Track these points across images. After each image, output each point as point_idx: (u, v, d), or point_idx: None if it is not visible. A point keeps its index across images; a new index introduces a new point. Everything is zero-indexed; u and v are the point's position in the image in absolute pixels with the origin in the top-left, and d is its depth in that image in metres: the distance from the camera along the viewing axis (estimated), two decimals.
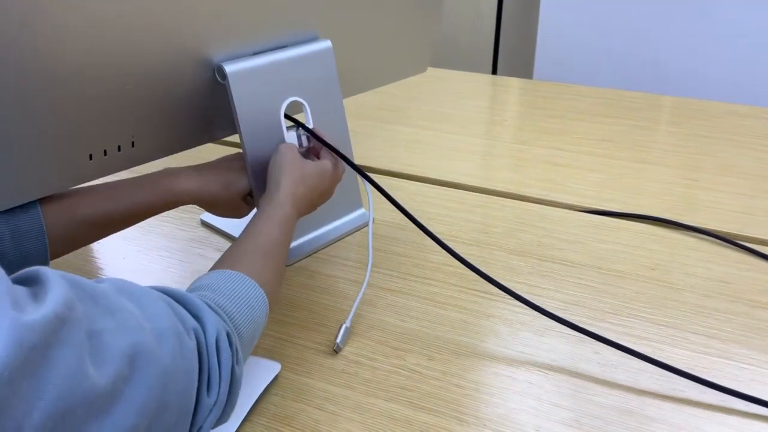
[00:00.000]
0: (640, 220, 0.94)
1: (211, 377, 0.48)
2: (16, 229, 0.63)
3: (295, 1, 0.77)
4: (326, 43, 0.82)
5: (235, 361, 0.51)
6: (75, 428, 0.37)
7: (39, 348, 0.35)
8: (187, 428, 0.46)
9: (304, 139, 0.78)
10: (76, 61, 0.60)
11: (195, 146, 0.78)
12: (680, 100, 1.38)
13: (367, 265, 0.77)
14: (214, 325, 0.49)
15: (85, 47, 0.60)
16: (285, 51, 0.78)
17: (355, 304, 0.74)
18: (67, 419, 0.36)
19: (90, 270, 0.85)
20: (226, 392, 0.49)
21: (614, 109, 1.34)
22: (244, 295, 0.56)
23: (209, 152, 0.87)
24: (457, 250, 0.71)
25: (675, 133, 1.24)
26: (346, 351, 0.70)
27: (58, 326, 0.37)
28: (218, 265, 0.60)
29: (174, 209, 0.75)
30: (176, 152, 0.76)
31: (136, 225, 0.73)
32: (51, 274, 0.40)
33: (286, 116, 0.78)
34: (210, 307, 0.51)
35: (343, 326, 0.71)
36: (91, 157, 0.67)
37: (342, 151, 0.76)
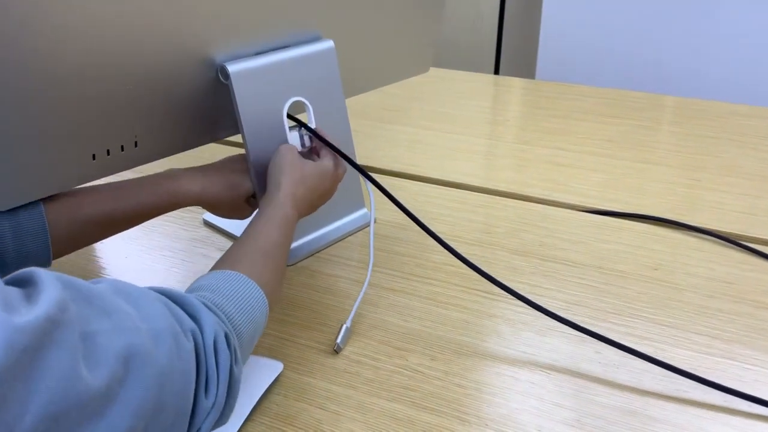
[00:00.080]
0: (643, 220, 0.94)
1: (209, 379, 0.48)
2: (18, 228, 0.63)
3: (297, 2, 0.77)
4: (329, 43, 0.82)
5: (234, 362, 0.50)
6: (69, 430, 0.36)
7: (30, 350, 0.35)
8: (185, 430, 0.46)
9: (306, 139, 0.78)
10: (79, 62, 0.60)
11: (198, 146, 0.78)
12: (683, 100, 1.38)
13: (369, 265, 0.77)
14: (212, 326, 0.49)
15: (88, 47, 0.60)
16: (287, 51, 0.78)
17: (356, 304, 0.74)
18: (60, 422, 0.36)
19: (92, 270, 0.85)
20: (225, 394, 0.49)
21: (617, 109, 1.33)
22: (244, 295, 0.56)
23: (212, 152, 0.88)
24: (459, 250, 0.71)
25: (677, 133, 1.23)
26: (349, 351, 0.70)
27: (50, 328, 0.36)
28: (217, 265, 0.60)
29: (177, 209, 0.75)
30: (179, 152, 0.76)
31: (139, 225, 0.73)
32: (45, 275, 0.40)
33: (289, 116, 0.78)
34: (208, 307, 0.51)
35: (344, 326, 0.71)
36: (94, 156, 0.67)
37: (344, 151, 0.76)
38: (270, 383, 0.64)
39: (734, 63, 1.78)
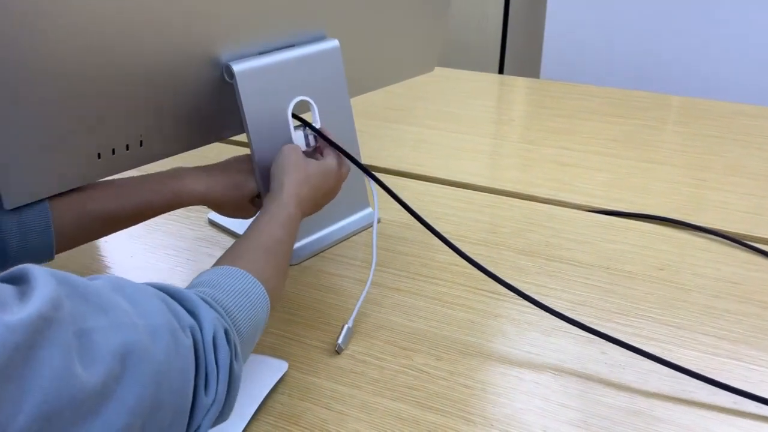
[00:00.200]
0: (648, 220, 0.94)
1: (208, 375, 0.47)
2: (23, 225, 0.63)
3: (302, 1, 0.77)
4: (334, 43, 0.82)
5: (234, 358, 0.49)
6: (63, 430, 0.36)
7: (23, 349, 0.34)
8: (184, 428, 0.45)
9: (311, 138, 0.78)
10: (85, 61, 0.60)
11: (203, 145, 0.78)
12: (688, 99, 1.38)
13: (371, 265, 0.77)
14: (211, 321, 0.48)
15: (93, 46, 0.60)
16: (293, 50, 0.78)
17: (358, 304, 0.74)
18: (53, 421, 0.35)
19: (97, 269, 0.85)
20: (225, 390, 0.48)
21: (622, 108, 1.33)
22: (243, 291, 0.55)
23: (217, 152, 0.88)
24: (465, 250, 0.71)
25: (683, 133, 1.23)
26: (354, 350, 0.70)
27: (43, 326, 0.36)
28: (219, 262, 0.59)
29: (181, 208, 0.75)
30: (184, 151, 0.76)
31: (144, 223, 0.73)
32: (39, 272, 0.39)
33: (294, 116, 0.78)
34: (207, 303, 0.50)
35: (345, 326, 0.71)
36: (99, 156, 0.67)
37: (349, 150, 0.75)
38: (275, 383, 0.64)
39: (739, 63, 1.78)
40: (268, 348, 0.70)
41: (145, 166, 0.73)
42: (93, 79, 0.62)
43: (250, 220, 0.78)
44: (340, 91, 0.84)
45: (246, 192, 0.76)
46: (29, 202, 0.63)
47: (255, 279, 0.56)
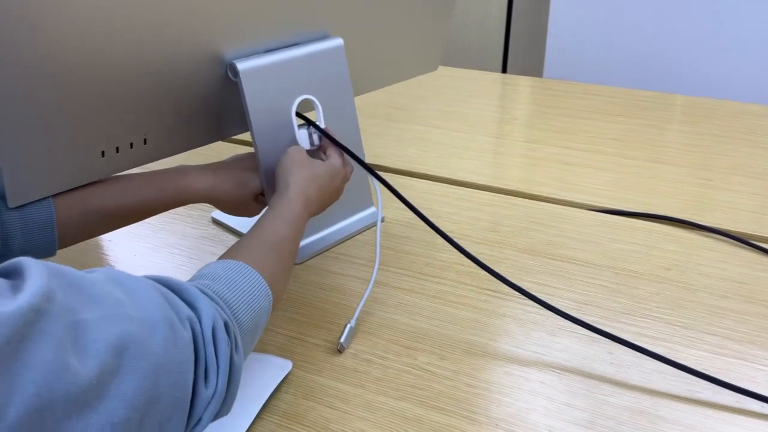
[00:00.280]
0: (654, 219, 0.93)
1: (208, 368, 0.46)
2: (27, 221, 0.63)
3: None
4: (338, 41, 0.82)
5: (234, 350, 0.48)
6: (56, 424, 0.35)
7: (13, 341, 0.34)
8: (185, 421, 0.44)
9: (315, 137, 0.78)
10: (88, 60, 0.60)
11: (206, 144, 0.78)
12: (693, 99, 1.37)
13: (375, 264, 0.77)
14: (210, 314, 0.47)
15: (97, 45, 0.60)
16: (297, 48, 0.78)
17: (361, 303, 0.74)
18: (45, 415, 0.35)
19: (100, 267, 0.85)
20: (225, 383, 0.47)
21: (626, 108, 1.33)
22: (244, 283, 0.54)
23: (220, 150, 0.87)
24: (468, 249, 0.71)
25: (688, 132, 1.23)
26: (357, 349, 0.70)
27: (34, 318, 0.35)
28: (222, 257, 0.59)
29: (185, 206, 0.75)
30: (188, 150, 0.76)
31: (147, 222, 0.73)
32: (32, 264, 0.38)
33: (298, 114, 0.77)
34: (206, 295, 0.49)
35: (348, 326, 0.71)
36: (103, 154, 0.67)
37: (353, 149, 0.75)
38: (279, 382, 0.64)
39: (744, 62, 1.77)
40: (271, 347, 0.70)
41: (148, 165, 0.73)
42: (97, 78, 0.62)
43: (254, 219, 0.78)
44: (344, 89, 0.84)
45: (250, 190, 0.76)
46: (32, 200, 0.63)
47: (256, 272, 0.56)
